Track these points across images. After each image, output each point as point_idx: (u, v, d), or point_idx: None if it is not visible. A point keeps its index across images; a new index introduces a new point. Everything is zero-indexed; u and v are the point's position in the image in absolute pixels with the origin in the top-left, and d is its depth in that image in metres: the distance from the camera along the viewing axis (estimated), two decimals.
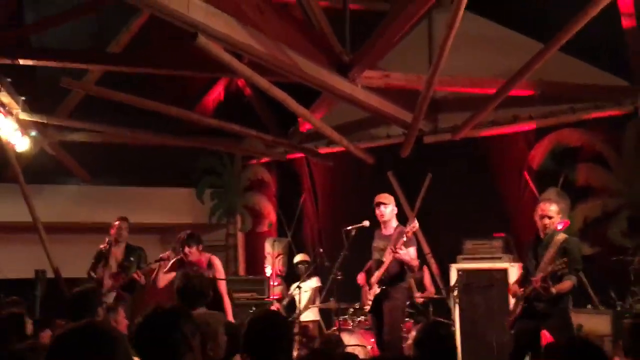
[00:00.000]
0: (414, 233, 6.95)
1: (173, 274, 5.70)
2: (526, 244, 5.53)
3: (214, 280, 5.47)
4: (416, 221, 5.60)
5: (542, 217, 5.15)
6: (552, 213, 5.15)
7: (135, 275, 6.34)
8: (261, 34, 4.87)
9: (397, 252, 5.48)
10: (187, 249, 5.60)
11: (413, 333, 3.40)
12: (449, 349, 3.00)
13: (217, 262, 5.85)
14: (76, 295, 4.07)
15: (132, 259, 6.53)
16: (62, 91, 7.14)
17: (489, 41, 7.15)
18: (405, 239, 5.50)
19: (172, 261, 5.72)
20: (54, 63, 6.41)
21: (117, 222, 6.64)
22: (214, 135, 8.57)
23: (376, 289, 5.65)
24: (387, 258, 5.58)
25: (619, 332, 5.64)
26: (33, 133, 7.67)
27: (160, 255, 5.94)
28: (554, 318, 5.00)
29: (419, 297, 6.70)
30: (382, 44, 5.52)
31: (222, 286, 5.58)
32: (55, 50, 6.72)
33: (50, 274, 8.13)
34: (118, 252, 6.58)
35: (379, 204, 5.77)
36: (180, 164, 9.33)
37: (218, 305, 5.26)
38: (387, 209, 5.77)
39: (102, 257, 6.58)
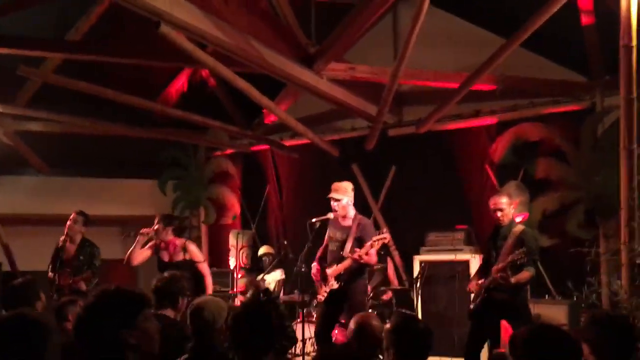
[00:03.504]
0: (375, 221, 7.00)
1: (149, 253, 6.06)
2: (487, 235, 5.65)
3: (192, 265, 5.97)
4: (387, 233, 5.49)
5: (495, 210, 5.31)
6: (503, 205, 5.30)
7: (71, 280, 6.01)
8: (226, 24, 4.82)
9: (362, 259, 5.33)
10: (159, 227, 5.94)
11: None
12: (424, 345, 2.98)
13: (192, 247, 6.12)
14: (13, 287, 4.07)
15: (81, 257, 6.20)
16: (20, 80, 6.93)
17: (453, 36, 7.22)
18: (372, 248, 5.32)
19: (150, 242, 5.96)
20: (11, 50, 6.21)
21: (71, 216, 6.34)
22: (177, 127, 8.45)
23: (333, 283, 5.49)
24: (349, 260, 5.40)
25: (576, 322, 5.80)
26: None
27: (142, 230, 5.98)
28: (513, 309, 5.12)
29: (383, 290, 6.74)
30: (348, 37, 5.52)
31: (203, 268, 6.03)
32: (12, 38, 6.51)
33: (6, 267, 7.93)
34: (72, 249, 6.28)
35: (331, 198, 5.61)
36: (143, 155, 9.16)
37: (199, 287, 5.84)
38: (341, 203, 5.57)
39: (57, 253, 6.30)
